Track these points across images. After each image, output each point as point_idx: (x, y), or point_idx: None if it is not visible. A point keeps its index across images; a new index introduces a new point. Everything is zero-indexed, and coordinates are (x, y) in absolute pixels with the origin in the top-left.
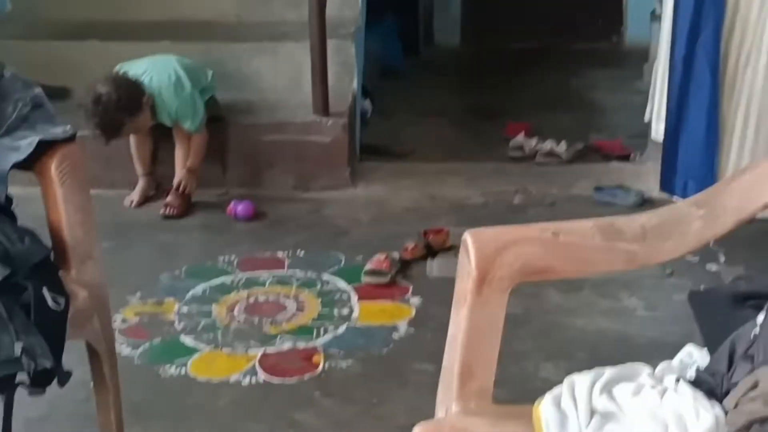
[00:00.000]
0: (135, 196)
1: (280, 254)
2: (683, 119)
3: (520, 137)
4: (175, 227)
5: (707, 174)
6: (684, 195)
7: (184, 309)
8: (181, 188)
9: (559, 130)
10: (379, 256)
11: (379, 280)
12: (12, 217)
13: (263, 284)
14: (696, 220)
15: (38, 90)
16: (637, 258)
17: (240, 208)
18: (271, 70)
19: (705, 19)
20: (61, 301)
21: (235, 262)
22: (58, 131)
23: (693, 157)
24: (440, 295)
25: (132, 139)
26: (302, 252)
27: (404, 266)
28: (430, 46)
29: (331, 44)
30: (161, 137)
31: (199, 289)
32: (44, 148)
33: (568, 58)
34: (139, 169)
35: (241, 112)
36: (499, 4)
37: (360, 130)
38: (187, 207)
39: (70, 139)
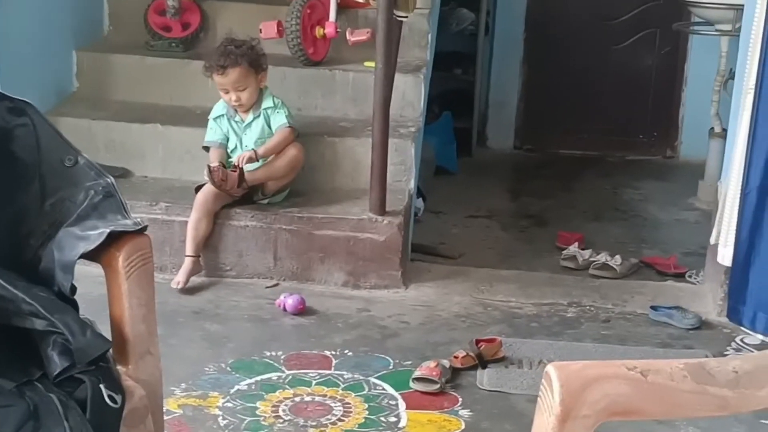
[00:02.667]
0: (181, 276)
1: (327, 353)
2: (755, 249)
3: (573, 247)
4: (223, 317)
5: None
6: (752, 326)
7: (229, 404)
8: (240, 163)
9: (610, 243)
10: (430, 363)
11: (429, 388)
12: (75, 307)
13: (310, 384)
14: None
15: (110, 179)
16: (729, 405)
17: (290, 301)
18: (330, 164)
19: None
20: (118, 399)
21: (282, 358)
22: (128, 222)
23: (764, 288)
24: (492, 409)
25: (192, 217)
26: (350, 352)
27: (454, 375)
28: (483, 147)
29: (391, 143)
30: (218, 224)
31: (244, 384)
32: (113, 238)
33: (621, 168)
34: (189, 248)
35: (296, 204)
36: (555, 111)
37: (410, 229)
38: (233, 184)
39: (141, 231)
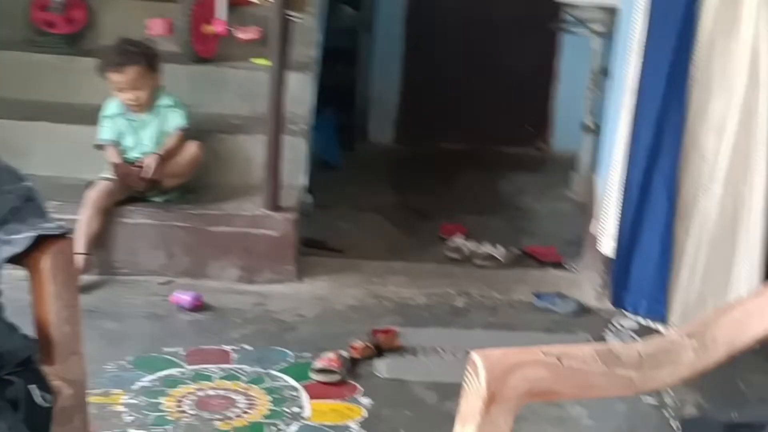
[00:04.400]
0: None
1: (227, 348)
2: (637, 241)
3: (458, 239)
4: (119, 315)
5: (659, 295)
6: (636, 312)
7: (133, 401)
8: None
9: (491, 234)
10: (329, 354)
11: (329, 379)
12: (0, 310)
13: (212, 378)
14: (688, 351)
15: (29, 183)
16: (633, 384)
17: (185, 298)
18: (223, 161)
19: (664, 149)
20: (49, 398)
21: (182, 354)
22: (52, 226)
23: (646, 277)
24: (391, 397)
25: (84, 214)
26: (249, 346)
27: (353, 365)
28: (365, 142)
29: (283, 140)
30: (112, 222)
31: (146, 380)
32: (38, 242)
33: (496, 161)
34: (80, 245)
35: (190, 201)
36: (433, 106)
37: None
38: (133, 182)
39: (64, 234)
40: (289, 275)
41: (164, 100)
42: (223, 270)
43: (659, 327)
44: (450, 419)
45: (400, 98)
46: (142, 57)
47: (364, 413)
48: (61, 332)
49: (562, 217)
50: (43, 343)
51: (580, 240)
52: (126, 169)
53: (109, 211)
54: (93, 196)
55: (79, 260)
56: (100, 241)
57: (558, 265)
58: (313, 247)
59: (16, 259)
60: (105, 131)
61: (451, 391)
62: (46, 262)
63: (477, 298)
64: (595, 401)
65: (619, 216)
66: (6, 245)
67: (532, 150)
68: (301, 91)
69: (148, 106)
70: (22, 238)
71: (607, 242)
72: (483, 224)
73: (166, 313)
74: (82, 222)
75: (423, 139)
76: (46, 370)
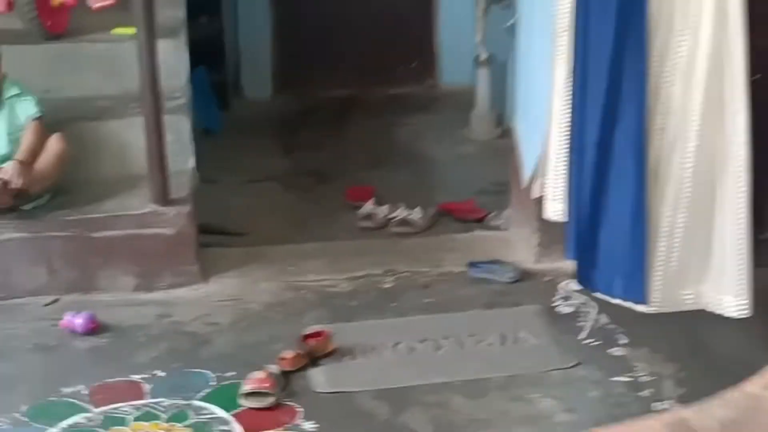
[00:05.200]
0: None
1: (136, 377)
2: (602, 209)
3: (368, 205)
4: (3, 351)
5: (635, 270)
6: (609, 292)
7: None
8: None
9: (400, 192)
10: (258, 374)
11: (263, 403)
12: None
13: (126, 421)
14: None
15: None
16: None
17: (78, 321)
18: (93, 152)
19: (624, 101)
20: None
21: (85, 394)
22: None
23: (617, 252)
24: (337, 415)
25: None
26: (161, 372)
27: (286, 381)
28: (240, 99)
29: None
30: None
31: None
32: None
33: (386, 105)
34: None
35: (65, 205)
36: (310, 52)
37: None
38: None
39: None
40: (192, 276)
41: (9, 90)
42: (114, 280)
43: (640, 308)
44: None
45: (273, 46)
46: None
47: None
48: None
49: (468, 162)
50: None
51: (497, 189)
52: None
53: None
54: None
55: None
56: None
57: (481, 221)
58: (210, 233)
59: None
60: None
61: (402, 399)
62: None
63: (405, 276)
64: (562, 389)
65: (573, 181)
66: None
67: (420, 88)
68: (175, 60)
69: None
70: None
71: (554, 206)
72: (389, 181)
73: (58, 342)
74: None
75: (303, 89)
76: None
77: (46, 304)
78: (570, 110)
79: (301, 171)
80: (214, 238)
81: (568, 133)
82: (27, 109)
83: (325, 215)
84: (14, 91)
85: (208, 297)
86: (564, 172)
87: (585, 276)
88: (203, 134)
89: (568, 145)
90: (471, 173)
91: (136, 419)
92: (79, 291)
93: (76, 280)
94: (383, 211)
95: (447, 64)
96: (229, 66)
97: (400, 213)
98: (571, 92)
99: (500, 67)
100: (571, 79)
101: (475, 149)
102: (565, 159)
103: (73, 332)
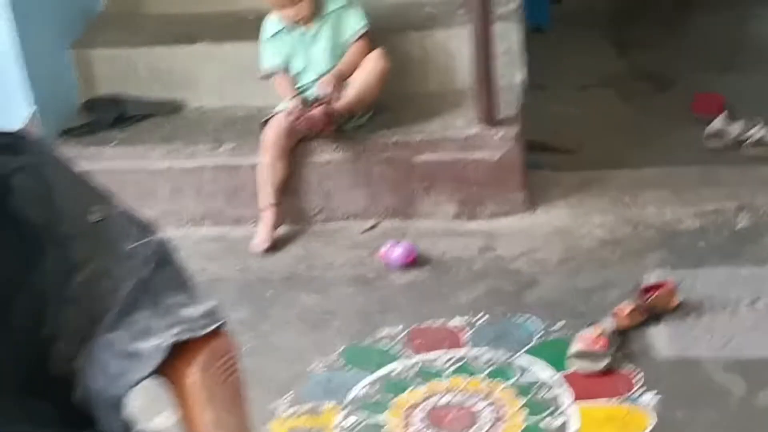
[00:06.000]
0: (263, 235)
1: (456, 323)
2: None
3: (718, 120)
4: (320, 283)
5: None
6: None
7: (350, 420)
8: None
9: (759, 101)
10: (590, 331)
11: (594, 367)
12: None
13: (442, 374)
14: None
15: (159, 237)
16: None
17: (397, 252)
18: (416, 67)
19: None
20: None
21: (402, 338)
22: (194, 315)
23: None
24: (682, 387)
25: (265, 160)
26: (483, 318)
27: (621, 339)
28: None
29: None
30: (299, 164)
31: (362, 385)
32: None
33: None
34: (267, 197)
35: (383, 125)
36: None
37: None
38: (325, 124)
39: (218, 329)
40: (518, 205)
41: (334, 2)
42: (435, 206)
43: None
44: None
45: None
46: None
47: (652, 420)
48: None
49: None
50: None
51: None
52: (308, 118)
53: (294, 151)
54: (272, 138)
55: (267, 215)
56: (288, 186)
57: None
58: (537, 150)
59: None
60: (269, 57)
61: (762, 373)
62: (193, 376)
63: (765, 213)
64: None
65: None
66: (131, 362)
67: None
68: None
69: (315, 14)
70: (151, 349)
71: None
72: (743, 89)
73: (376, 275)
74: (265, 168)
75: None
76: None
77: (365, 230)
78: None
79: (638, 75)
80: (541, 156)
81: None
82: (353, 23)
83: (665, 130)
84: (338, 2)
85: (534, 229)
86: None
87: None
88: (531, 32)
89: None
90: None
91: (453, 372)
92: (398, 216)
93: (396, 205)
94: (736, 128)
95: None
96: None
97: (758, 131)
98: None
99: None
100: None
101: None
102: None
103: (390, 264)
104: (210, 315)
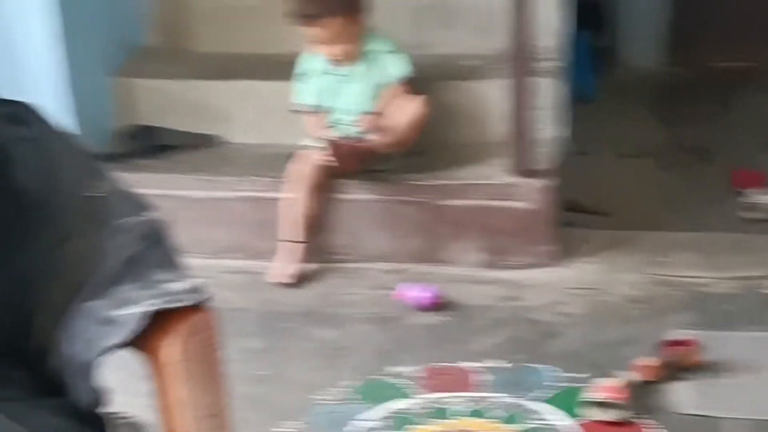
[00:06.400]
0: (290, 269)
1: (472, 366)
2: None
3: (754, 193)
4: (339, 319)
5: None
6: None
7: None
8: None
9: None
10: (611, 380)
11: (612, 417)
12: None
13: (454, 415)
14: None
15: (155, 214)
16: None
17: (417, 294)
18: (451, 116)
19: None
20: None
21: (417, 376)
22: (178, 288)
23: None
24: None
25: (292, 194)
26: (501, 364)
27: (641, 392)
28: (618, 65)
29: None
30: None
31: (371, 418)
32: (159, 318)
33: None
34: (296, 232)
35: (414, 169)
36: (707, 19)
37: None
38: (357, 163)
39: (199, 304)
40: (547, 257)
41: (377, 44)
42: (461, 252)
43: None
44: None
45: (662, 11)
46: (340, 3)
47: None
48: None
49: None
50: None
51: None
52: (343, 150)
53: (326, 187)
54: (302, 173)
55: (295, 250)
56: (318, 223)
57: None
58: (571, 210)
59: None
60: (303, 93)
61: None
62: (173, 347)
63: None
64: None
65: None
66: (107, 327)
67: None
68: (549, 15)
69: (356, 55)
70: (128, 316)
71: None
72: None
73: (396, 315)
74: (296, 204)
75: (692, 57)
76: None
77: (387, 271)
78: None
79: (679, 147)
80: (575, 216)
81: None
82: (397, 67)
83: (703, 200)
84: (383, 46)
85: (562, 282)
86: None
87: None
88: (576, 101)
89: None
90: None
91: (465, 414)
92: (422, 260)
93: (421, 249)
94: None
95: None
96: (611, 30)
97: None
98: None
99: None
100: None
101: None
102: None
103: (406, 300)
104: (194, 290)
